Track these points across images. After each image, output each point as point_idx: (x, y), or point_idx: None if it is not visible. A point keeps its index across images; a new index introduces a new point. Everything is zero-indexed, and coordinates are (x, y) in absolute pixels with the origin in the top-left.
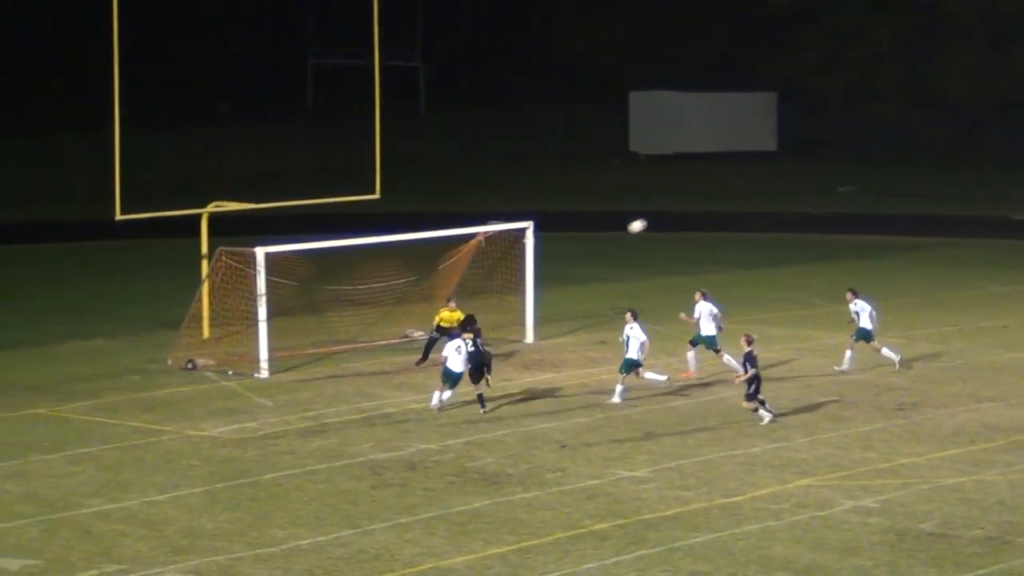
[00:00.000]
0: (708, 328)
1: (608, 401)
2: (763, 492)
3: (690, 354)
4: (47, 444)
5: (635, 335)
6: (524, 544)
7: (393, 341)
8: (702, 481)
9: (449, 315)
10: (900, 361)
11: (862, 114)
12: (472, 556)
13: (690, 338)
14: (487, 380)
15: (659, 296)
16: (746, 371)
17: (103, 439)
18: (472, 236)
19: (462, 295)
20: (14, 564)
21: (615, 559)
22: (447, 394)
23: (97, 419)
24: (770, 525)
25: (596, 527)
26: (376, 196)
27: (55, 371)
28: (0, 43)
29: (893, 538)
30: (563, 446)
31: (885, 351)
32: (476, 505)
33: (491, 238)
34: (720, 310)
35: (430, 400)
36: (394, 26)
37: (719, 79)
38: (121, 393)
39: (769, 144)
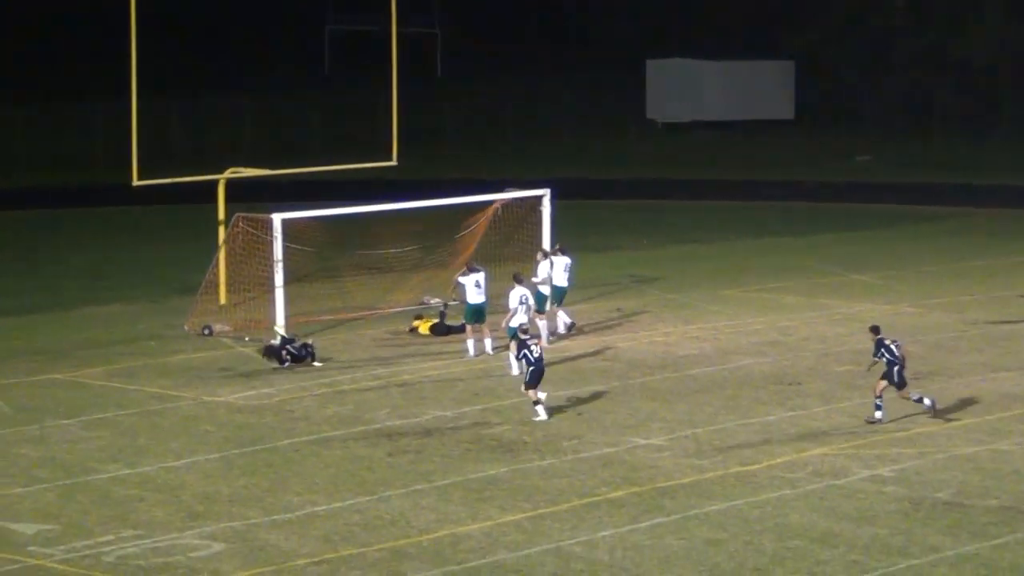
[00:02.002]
0: (560, 279)
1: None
2: (779, 460)
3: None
4: (64, 409)
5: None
6: (540, 511)
7: (410, 307)
8: (718, 449)
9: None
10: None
11: (880, 82)
12: (488, 523)
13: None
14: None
15: (675, 264)
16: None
17: (120, 404)
18: (489, 203)
19: (479, 262)
20: (31, 528)
21: (630, 527)
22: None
23: (114, 384)
24: (786, 493)
25: (612, 495)
26: (393, 163)
27: (72, 336)
28: (18, 8)
29: (908, 507)
30: (579, 413)
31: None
32: (492, 472)
33: (508, 205)
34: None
35: (465, 351)
36: None
37: (737, 47)
38: (137, 359)
39: (786, 112)
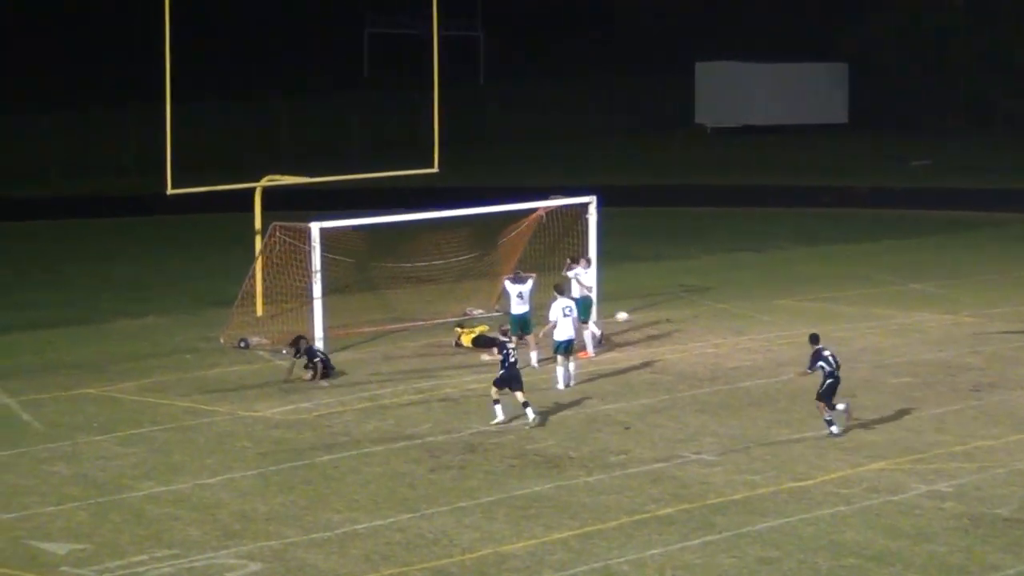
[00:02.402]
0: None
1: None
2: (834, 476)
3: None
4: (97, 425)
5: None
6: (587, 529)
7: (452, 319)
8: (771, 464)
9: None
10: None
11: (937, 85)
12: (533, 541)
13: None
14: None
15: (725, 273)
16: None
17: (154, 420)
18: (533, 211)
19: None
20: (63, 548)
21: (681, 544)
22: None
23: (148, 399)
24: (841, 510)
25: (661, 512)
26: (435, 170)
27: (104, 350)
28: (49, 10)
29: (967, 524)
30: (627, 428)
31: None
32: (537, 489)
33: (552, 213)
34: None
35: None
36: None
37: (788, 49)
38: (172, 373)
39: (840, 116)
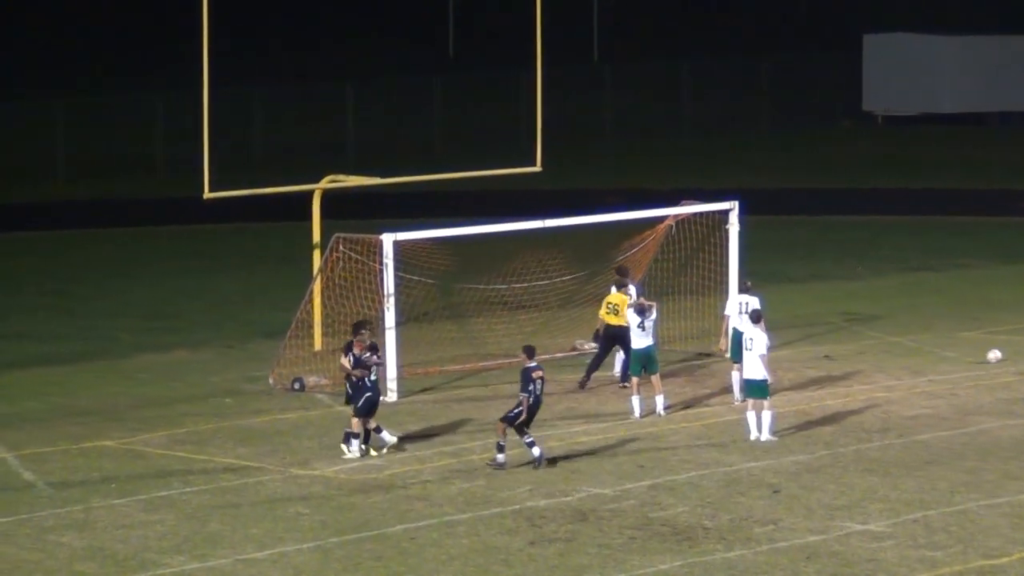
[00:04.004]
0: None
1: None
2: None
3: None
4: (115, 486)
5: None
6: None
7: (558, 355)
8: (955, 538)
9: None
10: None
11: None
12: None
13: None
14: None
15: (899, 298)
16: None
17: (186, 480)
18: (660, 220)
19: (647, 296)
20: None
21: None
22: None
23: (178, 454)
24: None
25: None
26: (537, 169)
27: (125, 392)
28: None
29: None
30: (776, 491)
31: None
32: (664, 567)
33: (684, 222)
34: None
35: (629, 410)
36: None
37: (982, 17)
38: (209, 421)
39: None
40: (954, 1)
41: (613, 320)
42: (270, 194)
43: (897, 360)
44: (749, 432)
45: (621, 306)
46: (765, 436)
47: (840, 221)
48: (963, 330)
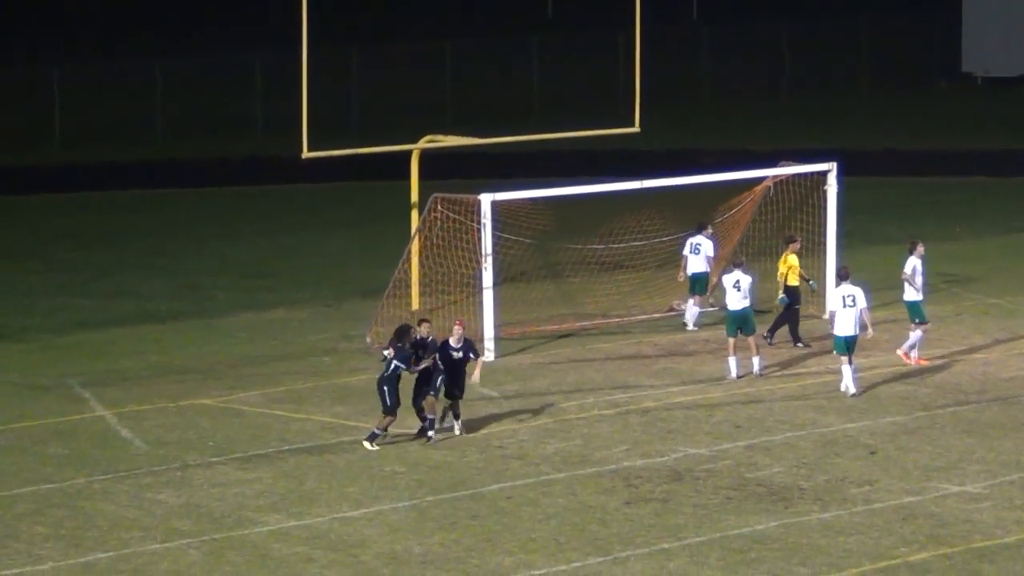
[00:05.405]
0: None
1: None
2: None
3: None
4: (212, 444)
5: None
6: None
7: (656, 315)
8: None
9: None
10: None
11: None
12: None
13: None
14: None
15: (999, 259)
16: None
17: (283, 438)
18: (758, 181)
19: (746, 256)
20: None
21: None
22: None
23: (276, 412)
24: None
25: (914, 557)
26: (635, 129)
27: (223, 351)
28: None
29: None
30: (872, 452)
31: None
32: (759, 527)
33: (782, 183)
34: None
35: (726, 371)
36: None
37: None
38: (307, 380)
39: None
40: None
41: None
42: (368, 153)
43: (996, 322)
44: (842, 387)
45: (790, 265)
46: (853, 388)
47: (939, 183)
48: None
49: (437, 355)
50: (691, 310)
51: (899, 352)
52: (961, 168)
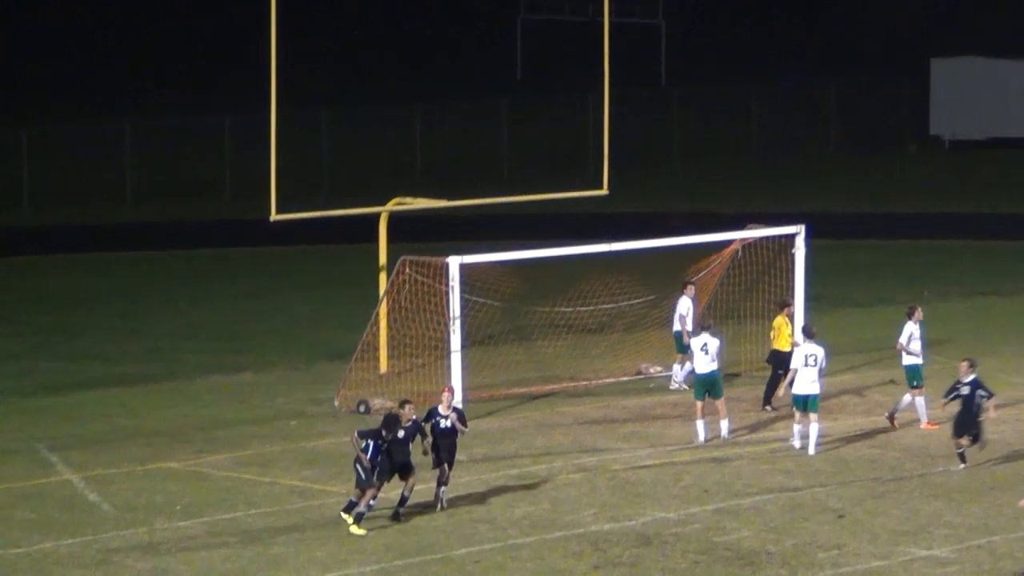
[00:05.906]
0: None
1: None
2: None
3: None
4: (180, 508)
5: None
6: None
7: (624, 379)
8: (1022, 563)
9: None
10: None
11: None
12: None
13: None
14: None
15: (965, 323)
16: None
17: (251, 502)
18: (726, 244)
19: (713, 319)
20: None
21: None
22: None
23: (244, 476)
24: None
25: None
26: (604, 192)
27: (191, 414)
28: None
29: None
30: (840, 516)
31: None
32: None
33: (750, 246)
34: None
35: (694, 435)
36: None
37: None
38: (274, 443)
39: None
40: (1023, 24)
41: (774, 344)
42: (336, 216)
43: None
44: (795, 441)
45: (778, 329)
46: (812, 449)
47: (907, 246)
48: None
49: (429, 429)
50: (676, 369)
51: (922, 425)
52: (928, 231)
